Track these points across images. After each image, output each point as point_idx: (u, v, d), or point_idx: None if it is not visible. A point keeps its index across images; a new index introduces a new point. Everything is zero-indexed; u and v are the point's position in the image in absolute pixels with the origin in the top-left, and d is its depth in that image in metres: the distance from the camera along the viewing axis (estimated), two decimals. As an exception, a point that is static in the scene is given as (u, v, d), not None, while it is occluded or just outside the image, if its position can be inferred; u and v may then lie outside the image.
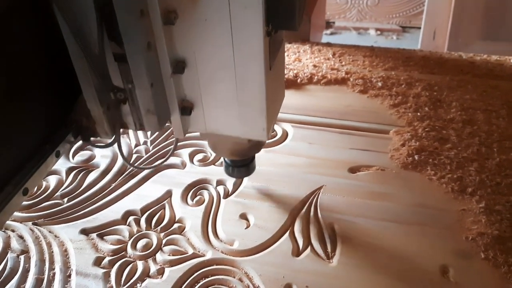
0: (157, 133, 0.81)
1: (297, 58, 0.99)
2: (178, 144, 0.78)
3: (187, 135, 0.74)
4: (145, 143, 0.79)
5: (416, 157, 0.72)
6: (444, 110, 0.81)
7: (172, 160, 0.76)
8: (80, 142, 0.61)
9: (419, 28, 1.99)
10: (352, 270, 0.58)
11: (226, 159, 0.65)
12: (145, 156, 0.77)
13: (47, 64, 0.47)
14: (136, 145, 0.79)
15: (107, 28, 0.43)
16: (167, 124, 0.53)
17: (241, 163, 0.65)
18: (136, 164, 0.75)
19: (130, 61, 0.45)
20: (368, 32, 2.73)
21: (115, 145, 0.73)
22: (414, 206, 0.65)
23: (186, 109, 0.51)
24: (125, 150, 0.78)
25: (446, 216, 0.64)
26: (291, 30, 0.45)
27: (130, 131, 0.81)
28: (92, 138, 0.52)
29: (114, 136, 0.52)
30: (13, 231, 0.66)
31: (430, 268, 0.58)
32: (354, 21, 2.76)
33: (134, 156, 0.77)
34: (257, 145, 0.61)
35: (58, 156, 0.49)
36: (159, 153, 0.77)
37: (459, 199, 0.66)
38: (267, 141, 0.78)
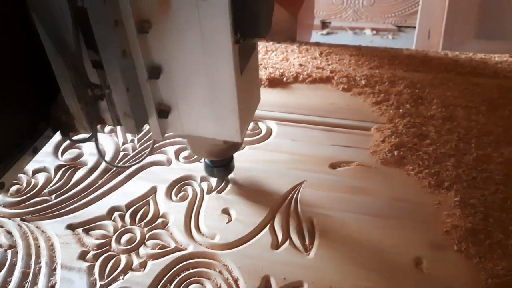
0: (144, 131, 0.82)
1: (285, 57, 1.01)
2: (165, 141, 0.80)
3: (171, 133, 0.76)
4: (132, 141, 0.81)
5: (395, 152, 0.73)
6: (425, 107, 0.83)
7: (158, 157, 0.77)
8: (69, 142, 0.63)
9: (414, 27, 2.00)
10: (328, 261, 0.60)
11: (206, 160, 0.67)
12: (131, 154, 0.79)
13: (25, 62, 0.49)
14: (124, 143, 0.81)
15: (85, 37, 0.46)
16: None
17: (220, 163, 0.67)
18: (121, 163, 0.77)
19: (106, 68, 0.47)
20: (364, 32, 2.75)
21: (104, 142, 0.76)
22: (391, 200, 0.67)
23: (163, 112, 0.53)
24: (112, 148, 0.79)
25: (423, 209, 0.65)
26: (257, 37, 0.48)
27: (118, 129, 0.83)
28: (70, 133, 0.54)
29: (92, 132, 0.54)
30: (1, 227, 0.68)
31: (404, 259, 0.59)
32: (350, 21, 2.77)
33: (121, 153, 0.79)
34: (234, 146, 0.64)
35: (35, 152, 0.50)
36: (145, 151, 0.79)
37: (436, 193, 0.67)
38: (251, 138, 0.80)
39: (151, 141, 0.79)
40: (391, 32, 2.74)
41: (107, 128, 0.84)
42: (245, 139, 0.79)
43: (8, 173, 0.47)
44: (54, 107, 0.53)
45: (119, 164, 0.76)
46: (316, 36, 2.61)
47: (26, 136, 0.50)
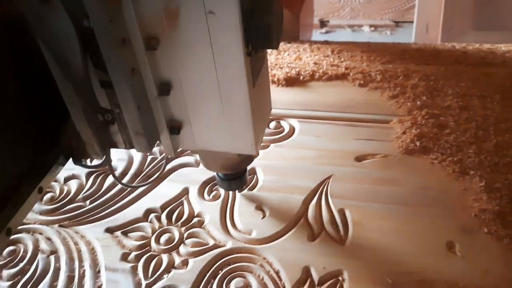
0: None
1: (298, 57, 1.03)
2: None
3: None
4: (159, 144, 0.83)
5: (417, 143, 0.76)
6: (441, 98, 0.85)
7: (186, 159, 0.79)
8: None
9: (412, 22, 2.03)
10: (364, 250, 0.62)
11: (219, 173, 0.66)
12: (159, 157, 0.81)
13: (32, 93, 0.48)
14: (151, 148, 0.83)
15: (92, 57, 0.44)
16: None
17: (234, 176, 0.66)
18: (151, 166, 0.79)
19: (116, 87, 0.46)
20: (362, 29, 2.78)
21: (129, 150, 0.77)
22: (418, 189, 0.69)
23: (175, 128, 0.52)
24: (139, 154, 0.81)
25: (450, 196, 0.68)
26: (270, 49, 0.47)
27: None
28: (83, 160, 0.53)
29: (104, 157, 0.53)
30: (40, 233, 0.69)
31: (438, 244, 0.62)
32: (348, 19, 2.81)
33: (149, 158, 0.81)
34: (248, 159, 0.63)
35: (41, 191, 0.49)
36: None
37: (460, 180, 0.70)
38: (275, 137, 0.82)
39: (164, 160, 0.80)
40: (389, 27, 2.77)
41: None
42: (269, 137, 0.82)
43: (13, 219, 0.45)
44: (65, 134, 0.51)
45: (140, 183, 0.78)
46: (316, 35, 2.64)
47: (35, 166, 0.49)
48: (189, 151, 0.81)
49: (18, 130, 0.47)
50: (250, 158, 0.63)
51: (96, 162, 0.58)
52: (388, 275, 0.58)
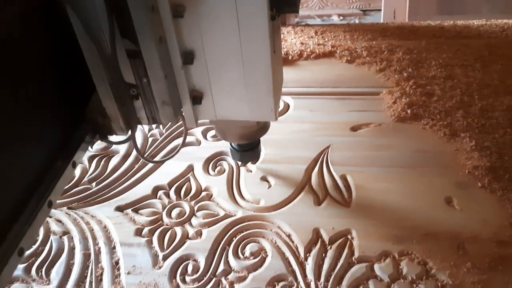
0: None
1: (283, 38, 1.06)
2: (173, 135, 0.84)
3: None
4: (158, 127, 0.84)
5: (408, 111, 0.80)
6: (426, 69, 0.90)
7: (188, 138, 0.81)
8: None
9: (379, 10, 2.08)
10: (369, 210, 0.65)
11: (233, 145, 0.68)
12: (160, 138, 0.82)
13: (60, 68, 0.48)
14: (150, 130, 0.84)
15: (119, 26, 0.45)
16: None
17: (249, 147, 0.68)
18: (151, 149, 0.80)
19: (145, 55, 0.46)
20: (331, 18, 2.82)
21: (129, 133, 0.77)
22: (413, 152, 0.73)
23: (197, 98, 0.53)
24: (140, 136, 0.83)
25: (443, 156, 0.72)
26: (293, 13, 0.49)
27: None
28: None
29: (129, 132, 0.53)
30: (50, 216, 0.70)
31: (437, 200, 0.65)
32: (317, 9, 2.84)
33: (150, 139, 0.82)
34: (264, 128, 0.65)
35: (75, 166, 0.50)
36: (173, 134, 0.83)
37: (452, 141, 0.74)
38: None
39: (178, 123, 0.82)
40: (357, 16, 2.82)
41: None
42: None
43: (54, 191, 0.46)
44: (90, 110, 0.51)
45: (150, 159, 0.80)
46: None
47: (64, 147, 0.49)
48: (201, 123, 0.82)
49: (49, 106, 0.47)
50: (265, 127, 0.65)
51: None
52: (394, 230, 0.62)
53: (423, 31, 1.05)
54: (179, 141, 0.81)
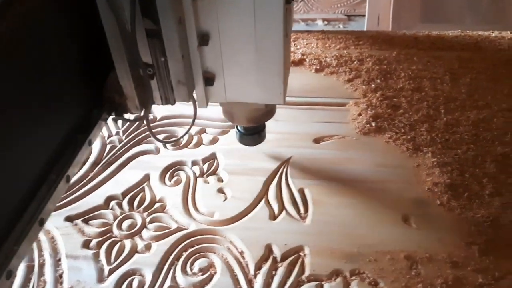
0: (127, 123, 0.84)
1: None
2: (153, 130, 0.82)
3: (157, 122, 0.78)
4: (117, 133, 0.82)
5: (373, 123, 0.78)
6: (394, 80, 0.88)
7: (146, 146, 0.79)
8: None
9: (364, 16, 2.08)
10: (324, 226, 0.63)
11: (239, 128, 0.70)
12: (118, 146, 0.80)
13: (81, 46, 0.50)
14: (109, 136, 0.82)
15: (141, 6, 0.47)
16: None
17: (254, 131, 0.70)
18: (111, 154, 0.78)
19: (165, 35, 0.48)
20: (315, 23, 2.82)
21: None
22: (375, 166, 0.72)
23: (209, 80, 0.55)
24: (98, 142, 0.80)
25: (404, 172, 0.70)
26: None
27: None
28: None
29: (144, 111, 0.55)
30: None
31: (394, 217, 0.64)
32: (302, 13, 2.83)
33: (108, 146, 0.80)
34: (271, 111, 0.67)
35: (90, 144, 0.51)
36: (132, 142, 0.80)
37: (414, 156, 0.73)
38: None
39: (138, 131, 0.81)
40: (342, 21, 2.82)
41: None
42: (229, 123, 0.82)
43: (72, 166, 0.47)
44: (107, 89, 0.53)
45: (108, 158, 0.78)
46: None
47: (82, 124, 0.51)
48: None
49: (68, 85, 0.49)
50: (273, 111, 0.67)
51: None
52: (348, 247, 0.60)
53: (397, 41, 1.04)
54: (139, 148, 0.79)
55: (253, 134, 0.71)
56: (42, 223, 0.43)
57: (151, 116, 0.85)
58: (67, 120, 0.48)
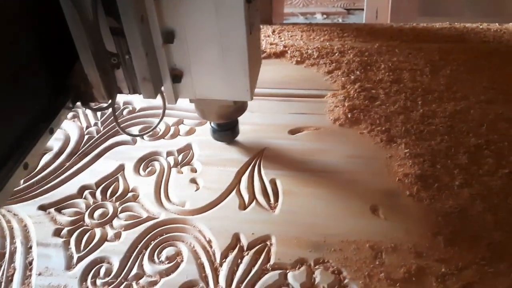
0: (106, 114, 0.84)
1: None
2: (128, 122, 0.82)
3: (136, 112, 0.79)
4: (96, 124, 0.83)
5: (349, 115, 0.78)
6: (374, 72, 0.88)
7: (123, 137, 0.80)
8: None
9: (363, 9, 2.07)
10: (292, 216, 0.64)
11: (213, 124, 0.72)
12: (96, 136, 0.80)
13: (41, 42, 0.51)
14: (87, 127, 0.82)
15: (103, 4, 0.48)
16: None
17: (227, 127, 0.72)
18: (87, 146, 0.79)
19: (127, 33, 0.49)
20: (315, 16, 2.81)
21: (66, 130, 0.77)
22: (347, 158, 0.72)
23: (177, 77, 0.56)
24: (76, 133, 0.81)
25: (376, 163, 0.71)
26: None
27: (81, 114, 0.85)
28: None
29: (110, 100, 0.55)
30: (-27, 214, 0.68)
31: (362, 208, 0.64)
32: (301, 7, 2.83)
33: (86, 137, 0.81)
34: (241, 108, 0.68)
35: (52, 132, 0.52)
36: (109, 133, 0.81)
37: (387, 147, 0.73)
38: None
39: (116, 128, 0.81)
40: (341, 15, 2.81)
41: (70, 114, 0.85)
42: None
43: (31, 153, 0.48)
44: (73, 77, 0.54)
45: (85, 147, 0.78)
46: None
47: (45, 113, 0.51)
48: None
49: (30, 72, 0.49)
50: (243, 108, 0.69)
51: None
52: (314, 237, 0.61)
53: (382, 33, 1.04)
54: (116, 139, 0.80)
55: (226, 130, 0.72)
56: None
57: (130, 107, 0.86)
58: (27, 107, 0.49)
